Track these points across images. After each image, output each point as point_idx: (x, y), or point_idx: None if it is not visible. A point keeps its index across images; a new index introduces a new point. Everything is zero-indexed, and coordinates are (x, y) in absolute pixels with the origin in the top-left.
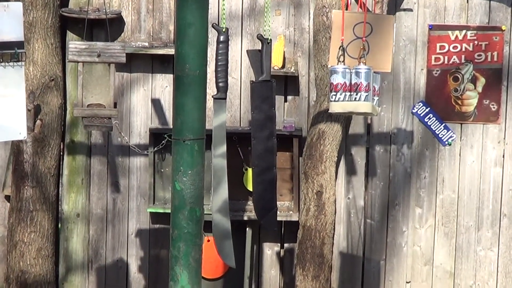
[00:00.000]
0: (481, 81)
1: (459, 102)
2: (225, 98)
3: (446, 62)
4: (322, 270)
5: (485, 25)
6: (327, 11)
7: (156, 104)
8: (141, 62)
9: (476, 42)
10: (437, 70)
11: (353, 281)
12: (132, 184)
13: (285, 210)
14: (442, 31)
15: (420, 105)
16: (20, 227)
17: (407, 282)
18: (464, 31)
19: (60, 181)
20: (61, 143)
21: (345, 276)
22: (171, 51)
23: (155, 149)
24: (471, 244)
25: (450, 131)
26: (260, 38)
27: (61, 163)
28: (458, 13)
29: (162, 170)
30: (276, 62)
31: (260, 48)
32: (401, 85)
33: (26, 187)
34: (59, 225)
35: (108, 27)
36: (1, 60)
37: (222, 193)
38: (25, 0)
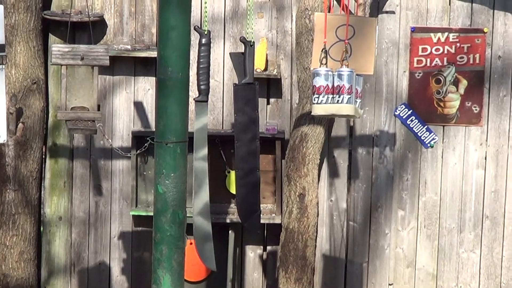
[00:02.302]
0: (463, 83)
1: (442, 104)
2: (206, 101)
3: (428, 64)
4: (305, 272)
5: (467, 28)
6: (309, 13)
7: (139, 107)
8: (123, 65)
9: (458, 44)
10: (420, 73)
11: (336, 283)
12: (115, 187)
13: (267, 212)
14: (424, 34)
15: (402, 107)
16: (2, 230)
17: (389, 284)
18: (446, 34)
19: (42, 184)
20: (43, 146)
21: (328, 279)
22: (153, 54)
23: (138, 152)
24: (453, 246)
25: (432, 133)
26: (243, 40)
27: (43, 166)
28: (440, 16)
29: (145, 173)
30: (258, 64)
31: (242, 50)
32: (383, 87)
33: (8, 191)
34: (41, 229)
35: (91, 30)
36: None
37: (203, 196)
38: (7, 3)
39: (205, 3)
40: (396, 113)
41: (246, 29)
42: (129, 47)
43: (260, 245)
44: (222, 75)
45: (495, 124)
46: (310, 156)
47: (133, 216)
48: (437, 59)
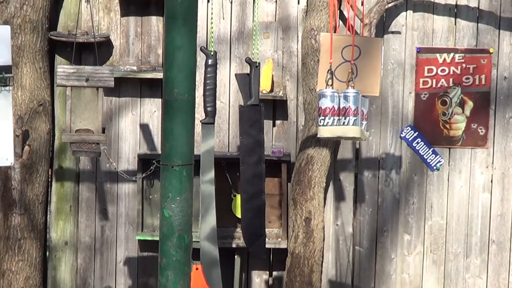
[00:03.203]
0: (469, 104)
1: (447, 126)
2: (213, 123)
3: (434, 85)
4: None
5: (473, 48)
6: (315, 34)
7: (145, 129)
8: (129, 86)
9: (464, 65)
10: (425, 94)
11: None
12: (121, 211)
13: (273, 237)
14: (430, 54)
15: (408, 129)
16: (8, 255)
17: None
18: (452, 54)
19: (48, 208)
20: (49, 169)
21: None
22: (159, 75)
23: (144, 175)
24: (459, 272)
25: (438, 156)
26: (249, 61)
27: (49, 189)
28: (446, 36)
29: (151, 197)
30: (264, 86)
31: (248, 71)
32: (389, 109)
33: (14, 215)
34: (47, 253)
35: (97, 50)
36: None
37: (210, 220)
38: (13, 24)
39: (211, 23)
40: (402, 135)
41: (252, 50)
42: (135, 68)
43: (266, 270)
44: (228, 97)
45: (501, 146)
46: (316, 179)
47: (139, 240)
48: (443, 80)
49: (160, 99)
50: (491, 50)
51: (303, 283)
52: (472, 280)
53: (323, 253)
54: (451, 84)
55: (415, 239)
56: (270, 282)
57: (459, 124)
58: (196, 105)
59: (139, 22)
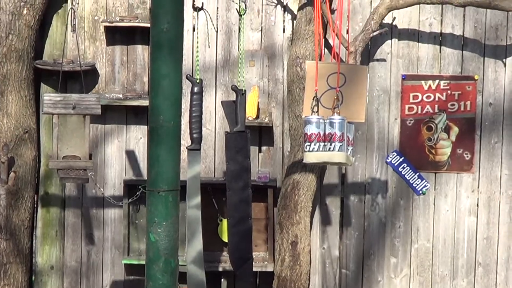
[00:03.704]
0: (455, 130)
1: (433, 151)
2: (199, 149)
3: (419, 111)
4: None
5: (458, 75)
6: (300, 61)
7: (131, 155)
8: (115, 114)
9: (449, 91)
10: (411, 120)
11: None
12: (107, 236)
13: (260, 260)
14: (415, 81)
15: (394, 154)
16: None
17: None
18: (437, 81)
19: (34, 233)
20: (35, 195)
21: None
22: (145, 102)
23: (130, 200)
24: None
25: (424, 181)
26: (234, 89)
27: (35, 215)
28: (431, 63)
29: (137, 222)
30: (250, 112)
31: (234, 99)
32: (375, 134)
33: None
34: (33, 278)
35: (83, 79)
36: None
37: (196, 244)
38: None
39: (197, 51)
40: (387, 160)
41: (238, 77)
42: (120, 96)
43: None
44: (214, 123)
45: (487, 171)
46: (302, 203)
47: (125, 264)
48: (428, 106)
49: (145, 126)
50: (476, 77)
51: None
52: None
53: (309, 276)
54: (436, 110)
55: (401, 262)
56: None
57: (444, 149)
58: (182, 132)
59: (124, 51)
